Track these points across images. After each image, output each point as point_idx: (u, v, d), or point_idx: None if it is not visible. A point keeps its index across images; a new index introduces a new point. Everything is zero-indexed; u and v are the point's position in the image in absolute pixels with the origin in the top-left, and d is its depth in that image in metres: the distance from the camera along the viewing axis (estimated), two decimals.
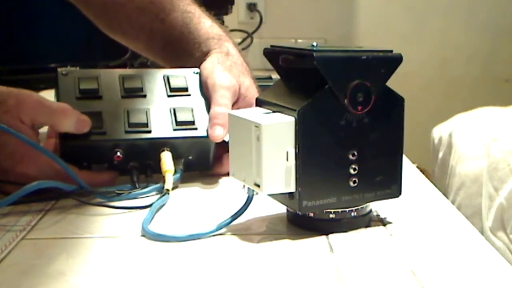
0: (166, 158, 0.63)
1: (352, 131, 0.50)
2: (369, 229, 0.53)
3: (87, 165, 0.63)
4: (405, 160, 0.77)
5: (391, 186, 0.53)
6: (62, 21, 1.20)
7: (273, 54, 0.54)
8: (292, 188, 0.50)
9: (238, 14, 1.92)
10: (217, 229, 0.51)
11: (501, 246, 1.28)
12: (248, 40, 1.79)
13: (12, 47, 1.07)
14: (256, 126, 0.49)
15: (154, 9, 0.80)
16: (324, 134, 0.49)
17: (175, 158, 0.63)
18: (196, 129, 0.65)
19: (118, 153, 0.62)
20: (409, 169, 0.73)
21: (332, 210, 0.51)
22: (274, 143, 0.48)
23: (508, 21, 2.05)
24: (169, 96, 0.68)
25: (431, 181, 0.68)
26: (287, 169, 0.49)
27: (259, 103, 0.54)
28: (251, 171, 0.50)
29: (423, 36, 2.02)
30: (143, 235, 0.51)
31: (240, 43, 1.77)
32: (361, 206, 0.52)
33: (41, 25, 1.27)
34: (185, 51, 0.77)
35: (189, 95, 0.69)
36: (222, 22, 1.32)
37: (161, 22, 0.79)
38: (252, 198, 0.52)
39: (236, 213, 0.52)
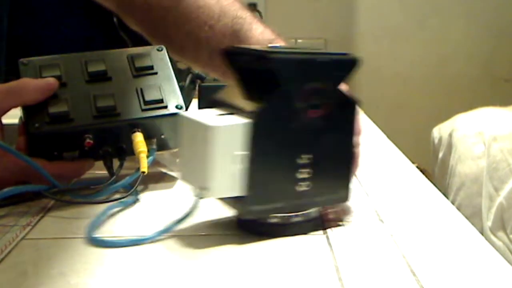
0: (138, 139, 0.62)
1: (304, 134, 0.49)
2: (369, 229, 0.53)
3: (58, 155, 0.62)
4: (405, 160, 0.77)
5: (339, 191, 0.52)
6: (62, 21, 1.20)
7: (230, 55, 0.53)
8: (240, 192, 0.48)
9: None
10: (157, 235, 0.50)
11: (501, 246, 1.28)
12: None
13: (12, 47, 1.07)
14: (205, 128, 0.47)
15: (202, 16, 0.76)
16: (276, 138, 0.48)
17: (148, 138, 0.63)
18: (166, 107, 0.65)
19: (88, 139, 0.61)
20: (409, 169, 0.73)
21: (276, 215, 0.50)
22: (224, 146, 0.47)
23: (508, 21, 2.05)
24: (134, 76, 0.67)
25: (431, 181, 0.68)
26: (237, 172, 0.48)
27: (214, 104, 0.52)
28: (199, 174, 0.48)
29: (423, 36, 2.02)
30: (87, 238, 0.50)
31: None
32: (308, 211, 0.51)
33: (41, 25, 1.27)
34: None
35: (156, 73, 0.67)
36: None
37: (210, 29, 0.75)
38: (199, 201, 0.50)
39: (180, 218, 0.51)
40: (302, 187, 0.50)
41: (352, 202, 0.60)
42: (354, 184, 0.66)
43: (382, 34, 2.01)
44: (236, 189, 0.48)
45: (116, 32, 1.32)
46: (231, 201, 0.50)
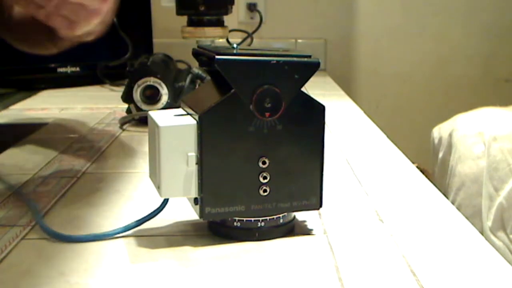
0: None
1: (262, 137, 0.48)
2: (369, 229, 0.53)
3: None
4: (405, 160, 0.77)
5: (309, 197, 0.50)
6: None
7: (195, 55, 0.53)
8: (193, 194, 0.48)
9: (238, 14, 1.92)
10: (123, 230, 0.51)
11: (501, 246, 1.28)
12: (248, 40, 1.79)
13: (12, 47, 1.07)
14: (156, 127, 0.47)
15: None
16: (230, 140, 0.47)
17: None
18: None
19: None
20: (409, 169, 0.73)
21: (237, 219, 0.49)
22: (173, 146, 0.47)
23: (508, 21, 2.05)
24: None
25: (431, 181, 0.68)
26: (188, 173, 0.47)
27: (182, 104, 0.52)
28: (156, 172, 0.48)
29: (423, 36, 2.02)
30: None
31: (240, 43, 1.77)
32: (275, 216, 0.50)
33: None
34: None
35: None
36: (222, 22, 1.31)
37: None
38: (167, 200, 0.50)
39: (147, 215, 0.51)
40: (266, 191, 0.49)
41: (352, 202, 0.60)
42: (354, 184, 0.66)
43: (382, 34, 2.00)
44: (188, 190, 0.48)
45: (116, 32, 1.32)
46: (192, 202, 0.50)
